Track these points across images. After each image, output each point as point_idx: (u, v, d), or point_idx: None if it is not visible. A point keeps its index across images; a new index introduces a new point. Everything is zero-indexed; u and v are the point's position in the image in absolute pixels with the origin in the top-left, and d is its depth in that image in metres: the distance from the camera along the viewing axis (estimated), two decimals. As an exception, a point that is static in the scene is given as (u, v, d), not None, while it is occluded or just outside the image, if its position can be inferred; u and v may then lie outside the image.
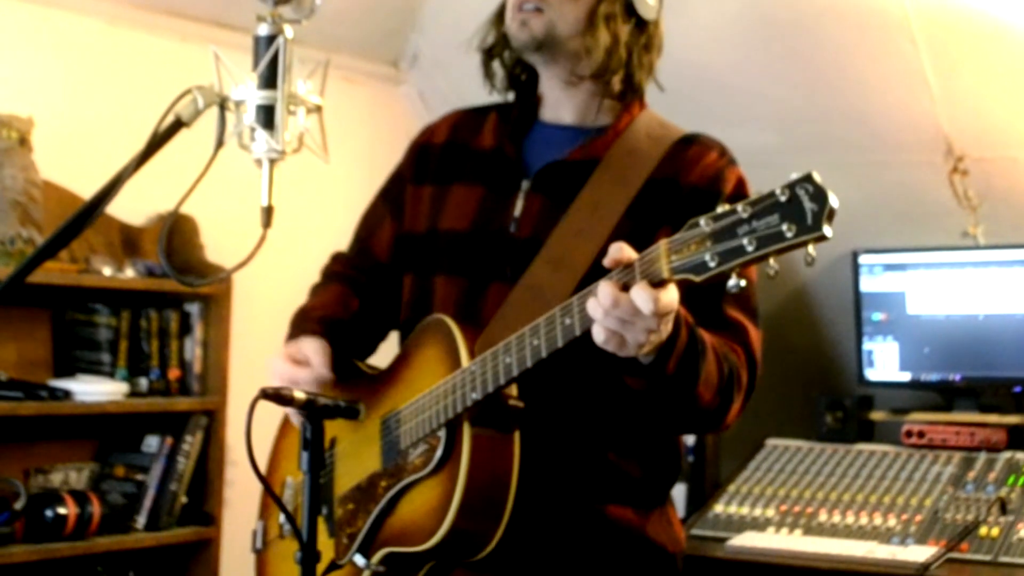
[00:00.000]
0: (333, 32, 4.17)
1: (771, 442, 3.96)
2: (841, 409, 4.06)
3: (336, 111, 1.98)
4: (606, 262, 1.81)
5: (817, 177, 1.60)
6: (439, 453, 2.05)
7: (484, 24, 2.40)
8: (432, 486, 2.06)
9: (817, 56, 3.94)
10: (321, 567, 2.18)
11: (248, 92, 1.81)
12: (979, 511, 3.35)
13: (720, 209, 1.68)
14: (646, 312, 1.75)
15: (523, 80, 2.40)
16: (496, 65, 2.40)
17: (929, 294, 4.02)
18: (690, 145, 2.27)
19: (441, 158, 2.40)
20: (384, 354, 2.47)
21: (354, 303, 2.45)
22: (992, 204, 4.02)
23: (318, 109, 1.87)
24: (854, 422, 4.04)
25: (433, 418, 2.07)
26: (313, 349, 2.26)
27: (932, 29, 3.72)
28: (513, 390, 2.03)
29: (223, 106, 1.83)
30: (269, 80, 1.81)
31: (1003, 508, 3.33)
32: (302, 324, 2.39)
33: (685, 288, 1.79)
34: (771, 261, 1.64)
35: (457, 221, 2.30)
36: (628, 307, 1.76)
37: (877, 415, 4.06)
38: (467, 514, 1.99)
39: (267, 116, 1.81)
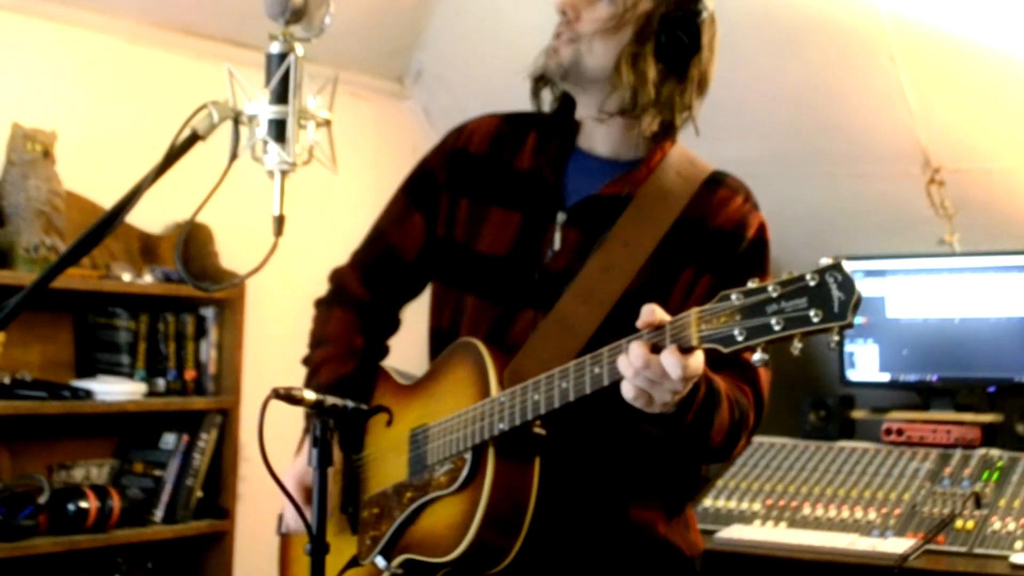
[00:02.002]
0: (341, 50, 4.17)
1: (757, 439, 3.96)
2: (824, 408, 4.06)
3: (344, 125, 1.98)
4: (639, 323, 1.81)
5: (847, 267, 1.62)
6: (464, 474, 2.04)
7: (539, 54, 2.27)
8: (455, 503, 2.06)
9: (800, 73, 3.94)
10: (340, 562, 2.22)
11: (261, 107, 1.81)
12: (955, 505, 3.35)
13: (751, 285, 1.68)
14: (674, 377, 1.76)
15: (563, 105, 2.32)
16: (545, 92, 2.30)
17: (907, 299, 4.02)
18: (718, 187, 2.22)
19: (480, 173, 2.31)
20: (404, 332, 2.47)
21: (358, 341, 2.38)
22: (967, 213, 4.02)
23: (327, 123, 1.87)
24: (836, 420, 4.04)
25: (461, 440, 2.06)
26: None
27: (910, 47, 3.72)
28: (537, 421, 2.03)
29: (237, 120, 1.83)
30: (281, 95, 1.81)
31: (978, 502, 3.33)
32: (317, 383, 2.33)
33: None
34: (796, 341, 1.66)
35: (494, 246, 2.24)
36: (658, 369, 1.77)
37: (858, 414, 4.06)
38: (486, 533, 1.99)
39: (279, 130, 1.80)
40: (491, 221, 2.26)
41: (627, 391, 1.82)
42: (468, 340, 2.15)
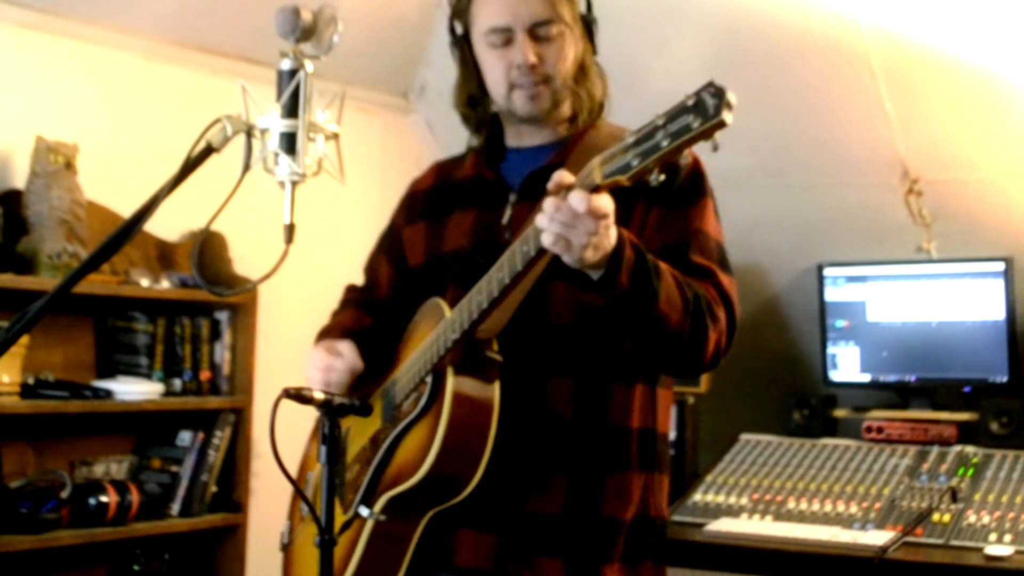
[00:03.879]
0: (348, 67, 4.17)
1: (744, 437, 3.96)
2: (808, 407, 4.06)
3: (351, 138, 1.98)
4: (549, 186, 1.84)
5: (718, 82, 1.66)
6: (426, 395, 2.09)
7: (458, 83, 2.36)
8: (421, 427, 2.09)
9: (785, 88, 3.94)
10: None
11: (272, 121, 1.82)
12: (932, 499, 3.35)
13: (642, 124, 1.72)
14: (581, 211, 1.78)
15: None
16: (477, 114, 2.37)
17: (887, 303, 4.03)
18: None
19: (431, 198, 2.43)
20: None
21: (367, 320, 2.49)
22: (944, 222, 4.03)
23: (335, 136, 1.87)
24: (819, 419, 4.04)
25: (421, 368, 2.11)
26: (345, 344, 2.33)
27: (889, 63, 3.73)
28: (493, 345, 2.08)
29: (250, 134, 1.84)
30: (291, 110, 1.82)
31: (954, 497, 3.33)
32: (326, 332, 2.46)
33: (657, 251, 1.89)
34: (678, 159, 1.72)
35: (458, 241, 2.31)
36: (567, 210, 1.79)
37: (840, 412, 4.06)
38: (451, 447, 2.01)
39: (289, 142, 1.81)
40: (450, 226, 2.34)
41: (545, 238, 1.83)
42: (432, 299, 2.23)
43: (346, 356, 2.31)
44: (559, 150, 2.27)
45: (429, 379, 2.09)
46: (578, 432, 2.17)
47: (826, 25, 3.71)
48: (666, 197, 2.17)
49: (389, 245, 2.50)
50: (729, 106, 1.63)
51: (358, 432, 2.34)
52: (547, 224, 1.82)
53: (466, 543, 2.16)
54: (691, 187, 2.22)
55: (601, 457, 2.18)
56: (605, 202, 1.81)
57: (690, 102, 1.66)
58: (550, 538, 2.14)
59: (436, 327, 2.12)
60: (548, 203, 1.81)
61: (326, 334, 2.45)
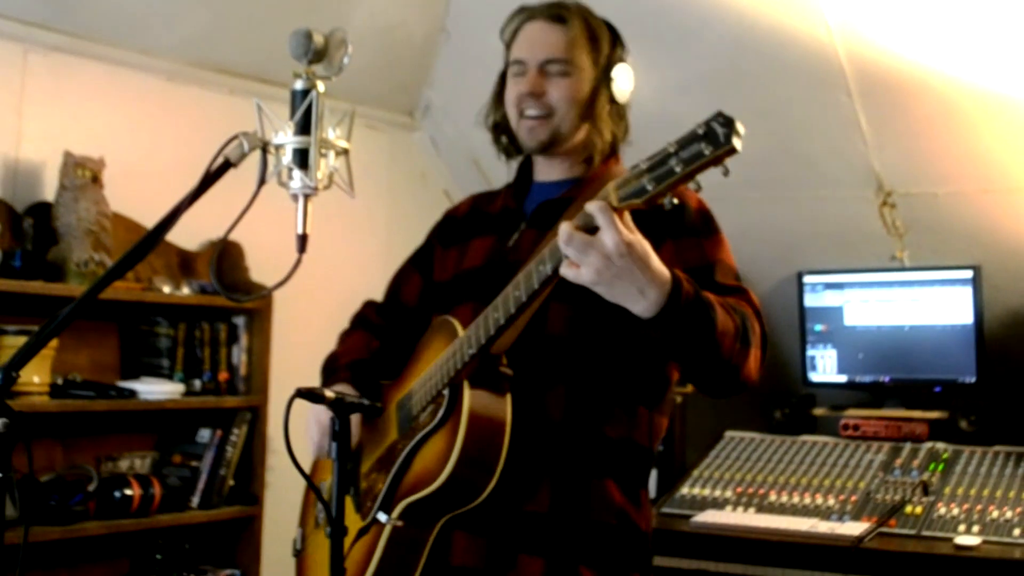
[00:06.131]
0: (358, 87, 4.18)
1: (729, 434, 3.96)
2: (788, 406, 4.06)
3: (360, 154, 1.98)
4: (576, 219, 1.81)
5: (727, 113, 1.65)
6: (444, 408, 2.07)
7: (487, 105, 2.39)
8: (439, 438, 2.07)
9: (767, 106, 3.94)
10: (350, 539, 2.18)
11: (286, 137, 1.81)
12: (905, 493, 3.35)
13: (655, 151, 1.71)
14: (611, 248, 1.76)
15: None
16: (501, 142, 2.39)
17: (863, 308, 4.03)
18: None
19: (463, 223, 2.43)
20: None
21: (374, 344, 2.47)
22: (916, 232, 4.03)
23: (345, 152, 1.87)
24: (799, 417, 4.05)
25: (438, 382, 2.10)
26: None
27: (865, 84, 3.73)
28: (503, 360, 2.06)
29: (265, 149, 1.83)
30: (304, 127, 1.81)
31: (925, 490, 3.33)
32: (333, 371, 2.41)
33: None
34: (690, 185, 1.70)
35: (474, 261, 2.31)
36: (578, 242, 1.78)
37: (819, 411, 4.06)
38: (467, 457, 1.99)
39: (302, 158, 1.81)
40: (472, 247, 2.34)
41: (564, 268, 1.82)
42: (441, 317, 2.21)
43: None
44: (573, 185, 2.27)
45: (446, 392, 2.08)
46: (567, 436, 2.14)
47: (806, 48, 3.71)
48: (678, 232, 2.15)
49: (421, 260, 2.51)
50: (739, 134, 1.63)
51: (373, 445, 2.32)
52: (563, 247, 1.79)
53: (460, 543, 2.15)
54: (703, 223, 2.20)
55: (588, 463, 2.15)
56: (619, 225, 1.77)
57: (701, 130, 1.65)
58: (534, 537, 2.12)
59: (451, 343, 2.11)
60: (563, 228, 1.79)
61: (332, 366, 2.43)
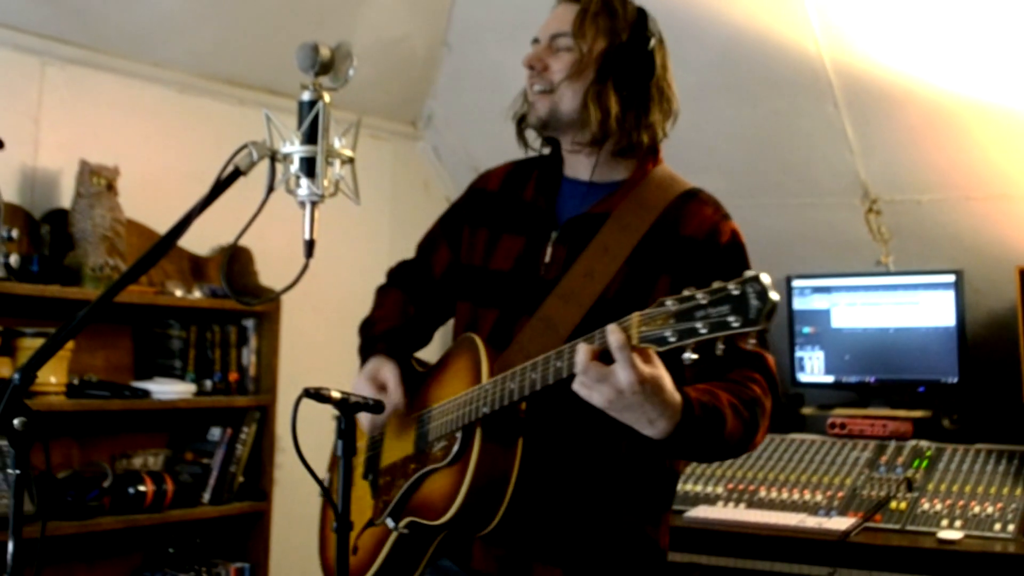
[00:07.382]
0: (363, 98, 4.19)
1: (721, 432, 3.96)
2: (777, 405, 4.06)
3: (365, 162, 1.98)
4: (595, 340, 1.77)
5: (765, 279, 1.58)
6: (455, 450, 2.03)
7: (517, 97, 2.28)
8: (447, 475, 2.05)
9: (758, 119, 3.95)
10: (363, 520, 2.24)
11: (294, 147, 1.81)
12: (890, 489, 3.35)
13: (685, 293, 1.64)
14: (618, 376, 1.73)
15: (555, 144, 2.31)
16: (529, 132, 2.29)
17: (849, 311, 4.03)
18: (691, 200, 2.16)
19: (495, 206, 2.31)
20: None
21: (411, 309, 2.40)
22: (900, 238, 4.03)
23: (351, 160, 1.87)
24: (788, 416, 4.04)
25: (453, 421, 2.05)
26: (390, 375, 2.23)
27: (851, 95, 3.74)
28: (521, 404, 2.00)
29: (273, 158, 1.83)
30: (311, 137, 1.81)
31: (909, 486, 3.33)
32: (370, 337, 2.34)
33: None
34: (719, 344, 1.61)
35: (503, 263, 2.23)
36: (593, 374, 1.75)
37: (807, 410, 4.06)
38: (471, 502, 1.98)
39: (309, 166, 1.81)
40: (503, 245, 2.25)
41: (575, 385, 1.79)
42: (470, 336, 2.14)
43: (390, 392, 2.21)
44: (609, 194, 2.18)
45: (459, 434, 2.04)
46: (591, 455, 2.10)
47: (794, 59, 3.72)
48: (700, 272, 1.97)
49: (450, 232, 2.38)
50: (772, 308, 1.56)
51: (394, 445, 2.29)
52: (578, 374, 1.76)
53: (478, 550, 2.13)
54: (730, 262, 2.10)
55: (612, 480, 2.11)
56: (635, 371, 1.73)
57: (735, 291, 1.59)
58: (552, 548, 2.10)
59: (473, 381, 2.05)
60: (580, 358, 1.75)
61: (369, 331, 2.36)
